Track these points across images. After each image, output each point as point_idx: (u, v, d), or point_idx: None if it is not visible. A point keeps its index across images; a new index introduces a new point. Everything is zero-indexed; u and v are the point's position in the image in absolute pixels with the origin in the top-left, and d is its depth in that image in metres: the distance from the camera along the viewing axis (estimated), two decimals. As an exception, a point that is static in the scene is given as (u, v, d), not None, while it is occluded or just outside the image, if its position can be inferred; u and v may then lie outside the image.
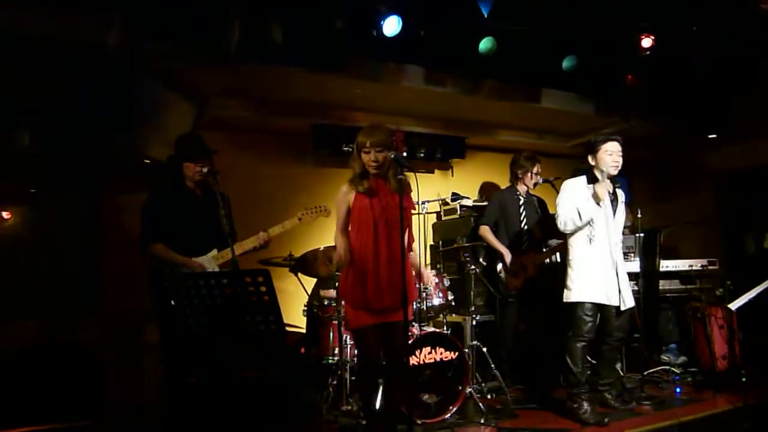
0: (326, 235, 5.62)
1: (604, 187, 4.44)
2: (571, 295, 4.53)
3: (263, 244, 4.34)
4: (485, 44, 5.14)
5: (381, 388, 3.85)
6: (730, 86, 6.63)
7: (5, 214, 4.97)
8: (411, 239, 3.85)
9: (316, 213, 4.54)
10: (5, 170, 4.87)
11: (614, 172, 4.51)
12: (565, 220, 4.48)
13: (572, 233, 4.55)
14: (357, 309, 3.59)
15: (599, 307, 4.48)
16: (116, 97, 4.65)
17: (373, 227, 3.55)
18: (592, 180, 4.55)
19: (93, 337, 4.81)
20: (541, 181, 5.76)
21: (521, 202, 5.72)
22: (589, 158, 4.60)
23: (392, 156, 3.48)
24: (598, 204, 4.42)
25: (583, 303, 4.45)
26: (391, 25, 4.78)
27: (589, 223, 4.44)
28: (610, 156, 4.50)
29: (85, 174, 5.16)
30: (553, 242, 5.61)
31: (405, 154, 3.66)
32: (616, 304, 4.47)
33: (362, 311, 3.57)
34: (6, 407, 4.04)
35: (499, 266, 5.53)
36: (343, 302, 4.30)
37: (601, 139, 4.56)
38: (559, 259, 5.76)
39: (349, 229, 3.67)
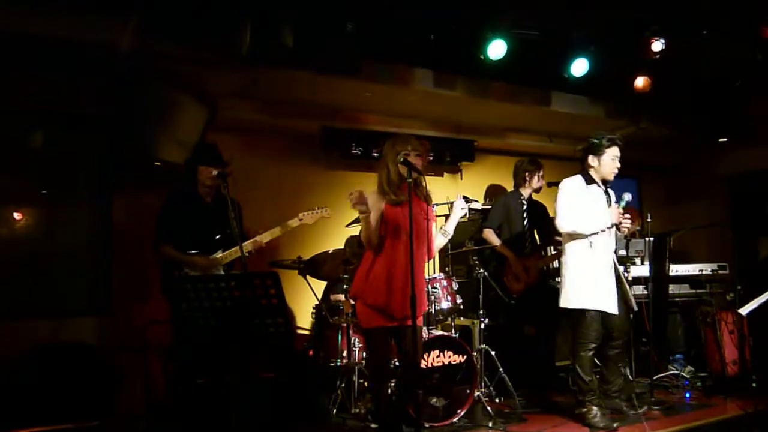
0: (335, 238, 5.66)
1: (616, 212, 4.42)
2: (569, 301, 4.49)
3: (258, 248, 4.36)
4: (495, 50, 5.13)
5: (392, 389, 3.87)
6: (741, 89, 6.60)
7: (17, 215, 5.00)
8: (431, 249, 3.86)
9: (316, 213, 4.52)
10: (18, 171, 4.92)
11: (612, 177, 4.51)
12: (568, 224, 4.43)
13: (569, 237, 4.53)
14: (372, 310, 3.61)
15: (601, 313, 4.46)
16: (128, 99, 4.69)
17: (402, 235, 3.57)
18: (590, 181, 4.54)
19: (104, 337, 4.85)
20: (548, 184, 5.76)
21: (525, 207, 5.75)
22: (590, 159, 4.56)
23: (401, 160, 3.48)
24: (618, 229, 4.45)
25: (588, 311, 4.42)
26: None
27: (596, 233, 4.43)
28: (614, 161, 4.50)
29: (97, 174, 5.20)
30: (560, 247, 5.60)
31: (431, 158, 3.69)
32: (613, 311, 4.44)
33: (377, 313, 3.59)
34: (16, 407, 4.07)
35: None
36: (352, 301, 4.31)
37: (607, 143, 4.51)
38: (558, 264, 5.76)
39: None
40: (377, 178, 3.70)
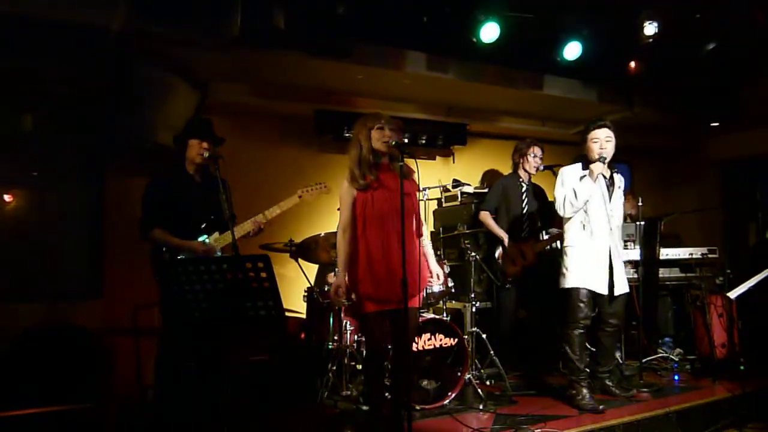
0: (327, 221, 5.66)
1: (598, 166, 4.45)
2: (565, 281, 4.55)
3: (258, 228, 4.29)
4: (487, 32, 5.11)
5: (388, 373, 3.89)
6: (733, 74, 6.59)
7: (7, 197, 4.97)
8: (420, 225, 3.86)
9: (316, 190, 4.45)
10: (8, 153, 4.88)
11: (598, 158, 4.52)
12: (562, 202, 4.49)
13: (569, 218, 4.56)
14: (365, 298, 3.62)
15: (593, 294, 4.50)
16: (119, 81, 4.65)
17: (379, 218, 3.57)
18: (587, 166, 4.57)
19: (95, 320, 4.84)
20: (542, 168, 5.75)
21: (523, 189, 5.71)
22: (583, 146, 4.64)
23: (393, 143, 3.49)
24: (594, 180, 4.43)
25: (577, 289, 4.47)
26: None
27: (586, 204, 4.43)
28: (596, 143, 4.51)
29: (88, 157, 5.17)
30: (553, 231, 5.61)
31: (405, 140, 3.63)
32: (603, 292, 4.49)
33: (368, 299, 3.60)
34: (8, 389, 4.07)
35: (498, 251, 5.54)
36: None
37: (587, 128, 4.59)
38: (559, 246, 5.77)
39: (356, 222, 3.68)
40: (348, 160, 3.67)
